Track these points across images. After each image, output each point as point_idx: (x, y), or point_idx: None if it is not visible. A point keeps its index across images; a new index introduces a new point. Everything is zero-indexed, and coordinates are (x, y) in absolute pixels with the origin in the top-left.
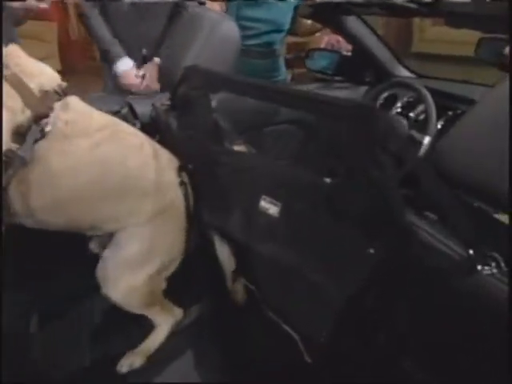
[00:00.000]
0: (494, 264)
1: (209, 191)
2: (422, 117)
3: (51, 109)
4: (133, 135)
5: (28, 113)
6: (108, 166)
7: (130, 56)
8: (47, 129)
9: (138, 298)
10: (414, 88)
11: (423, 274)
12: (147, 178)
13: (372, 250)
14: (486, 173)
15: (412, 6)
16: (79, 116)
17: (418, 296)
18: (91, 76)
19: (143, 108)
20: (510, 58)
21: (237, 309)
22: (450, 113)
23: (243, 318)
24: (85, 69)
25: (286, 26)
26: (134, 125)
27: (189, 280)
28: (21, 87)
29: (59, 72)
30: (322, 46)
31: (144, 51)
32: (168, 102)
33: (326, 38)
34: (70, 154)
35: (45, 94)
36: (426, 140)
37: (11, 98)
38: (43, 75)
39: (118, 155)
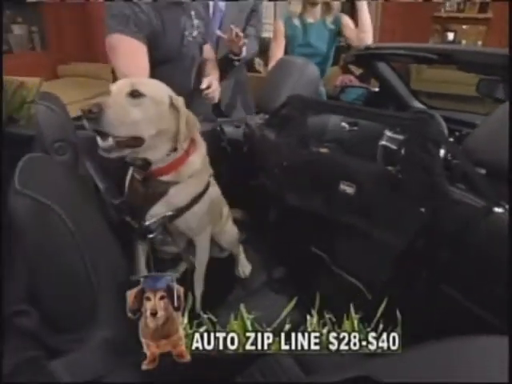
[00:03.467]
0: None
1: (298, 181)
2: None
3: None
4: None
5: None
6: None
7: None
8: None
9: None
10: (428, 115)
11: (457, 219)
12: None
13: (423, 209)
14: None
15: (433, 56)
16: None
17: (455, 236)
18: None
19: (228, 128)
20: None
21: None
22: (457, 133)
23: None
24: None
25: (330, 53)
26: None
27: None
28: None
29: None
30: (337, 83)
31: None
32: (261, 121)
33: (340, 78)
34: None
35: None
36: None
37: None
38: None
39: None
